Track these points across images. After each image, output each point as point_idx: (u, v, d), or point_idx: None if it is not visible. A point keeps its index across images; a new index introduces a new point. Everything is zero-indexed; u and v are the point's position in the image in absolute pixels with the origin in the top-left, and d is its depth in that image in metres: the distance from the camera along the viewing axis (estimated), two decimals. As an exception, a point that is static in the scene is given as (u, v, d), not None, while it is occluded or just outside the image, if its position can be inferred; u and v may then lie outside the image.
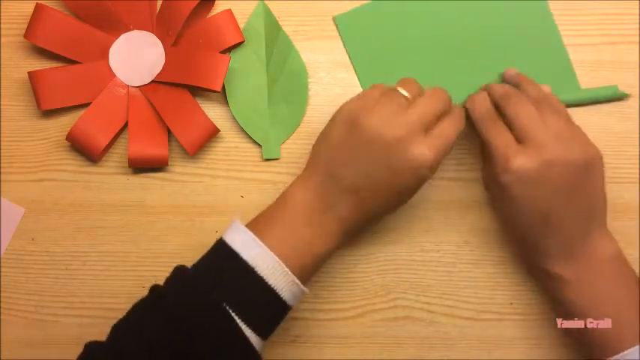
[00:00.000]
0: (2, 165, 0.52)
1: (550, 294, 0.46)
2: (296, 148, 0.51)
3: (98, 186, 0.52)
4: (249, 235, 0.41)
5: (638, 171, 0.50)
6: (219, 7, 0.52)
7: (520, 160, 0.42)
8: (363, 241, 0.51)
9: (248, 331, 0.39)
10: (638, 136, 0.50)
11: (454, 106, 0.45)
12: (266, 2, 0.52)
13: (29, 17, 0.50)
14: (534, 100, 0.44)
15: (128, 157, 0.50)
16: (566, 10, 0.51)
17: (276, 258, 0.40)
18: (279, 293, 0.40)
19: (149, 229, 0.51)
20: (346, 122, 0.43)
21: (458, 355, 0.50)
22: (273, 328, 0.42)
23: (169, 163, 0.51)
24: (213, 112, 0.52)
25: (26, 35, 0.50)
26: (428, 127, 0.42)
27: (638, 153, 0.50)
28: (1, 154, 0.52)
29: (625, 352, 0.41)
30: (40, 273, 0.51)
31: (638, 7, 0.51)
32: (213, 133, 0.50)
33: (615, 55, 0.51)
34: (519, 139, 0.43)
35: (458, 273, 0.50)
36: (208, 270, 0.41)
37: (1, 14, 0.53)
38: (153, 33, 0.51)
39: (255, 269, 0.40)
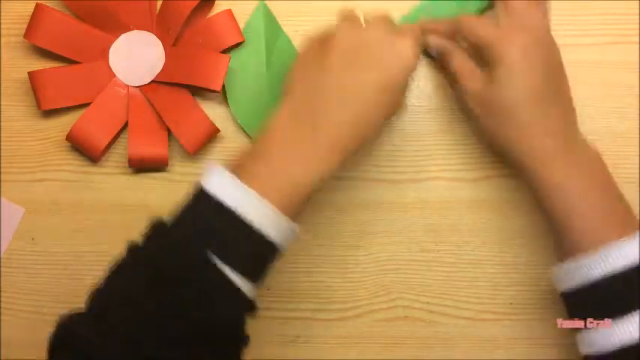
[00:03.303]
0: (2, 165, 0.52)
1: (533, 193, 0.43)
2: (296, 148, 0.51)
3: (98, 186, 0.52)
4: (225, 175, 0.38)
5: (638, 171, 0.50)
6: (219, 7, 0.52)
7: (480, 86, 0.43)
8: (363, 241, 0.51)
9: (234, 276, 0.37)
10: (638, 136, 0.50)
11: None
12: (266, 2, 0.52)
13: (29, 17, 0.50)
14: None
15: (128, 157, 0.50)
16: (566, 10, 0.51)
17: (256, 193, 0.37)
18: (263, 230, 0.37)
19: (149, 229, 0.51)
20: (317, 41, 0.43)
21: (458, 355, 0.50)
22: (263, 270, 0.39)
23: (169, 163, 0.51)
24: (213, 112, 0.51)
25: (26, 35, 0.50)
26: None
27: (638, 153, 0.50)
28: (1, 154, 0.52)
29: (620, 240, 0.38)
30: (40, 273, 0.52)
31: (638, 7, 0.51)
32: (213, 133, 0.50)
33: (615, 55, 0.50)
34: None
35: (458, 273, 0.50)
36: (185, 217, 0.38)
37: (1, 14, 0.53)
38: (153, 33, 0.51)
39: (233, 209, 0.37)
